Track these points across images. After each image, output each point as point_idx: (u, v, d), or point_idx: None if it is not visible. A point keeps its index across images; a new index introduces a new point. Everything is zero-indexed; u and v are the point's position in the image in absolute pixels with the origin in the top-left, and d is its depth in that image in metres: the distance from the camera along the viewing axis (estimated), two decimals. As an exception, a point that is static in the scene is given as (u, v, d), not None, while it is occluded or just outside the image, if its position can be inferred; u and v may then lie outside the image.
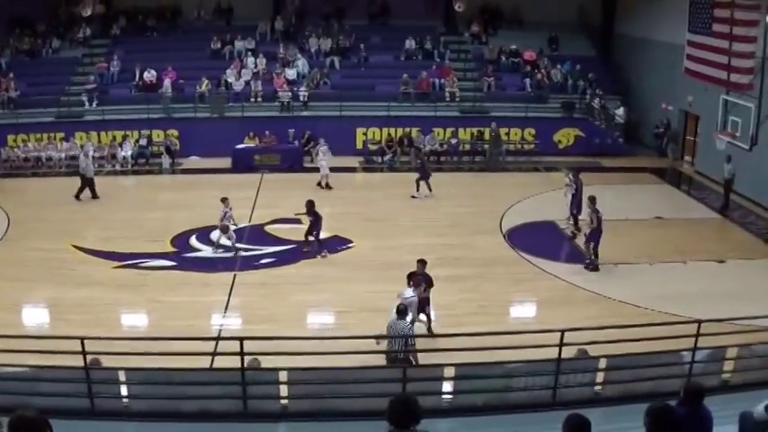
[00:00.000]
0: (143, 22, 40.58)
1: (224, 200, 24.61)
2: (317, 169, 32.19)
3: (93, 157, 30.96)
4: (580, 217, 26.05)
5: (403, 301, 17.13)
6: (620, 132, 38.61)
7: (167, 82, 36.83)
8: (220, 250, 24.41)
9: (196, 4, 41.09)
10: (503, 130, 36.95)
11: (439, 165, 34.91)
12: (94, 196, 29.46)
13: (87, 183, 29.42)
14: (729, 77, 24.40)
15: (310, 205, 24.09)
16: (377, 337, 14.32)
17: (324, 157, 31.77)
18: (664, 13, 36.79)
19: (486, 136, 37.04)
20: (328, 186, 31.38)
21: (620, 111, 38.89)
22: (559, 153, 37.40)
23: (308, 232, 24.38)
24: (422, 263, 19.15)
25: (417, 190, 30.51)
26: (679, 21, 32.01)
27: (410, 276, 18.79)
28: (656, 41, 38.13)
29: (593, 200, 24.04)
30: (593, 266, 23.55)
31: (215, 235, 24.88)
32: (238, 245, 24.46)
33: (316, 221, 24.19)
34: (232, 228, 24.51)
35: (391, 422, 7.14)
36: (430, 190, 30.55)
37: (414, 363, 14.66)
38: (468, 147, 37.28)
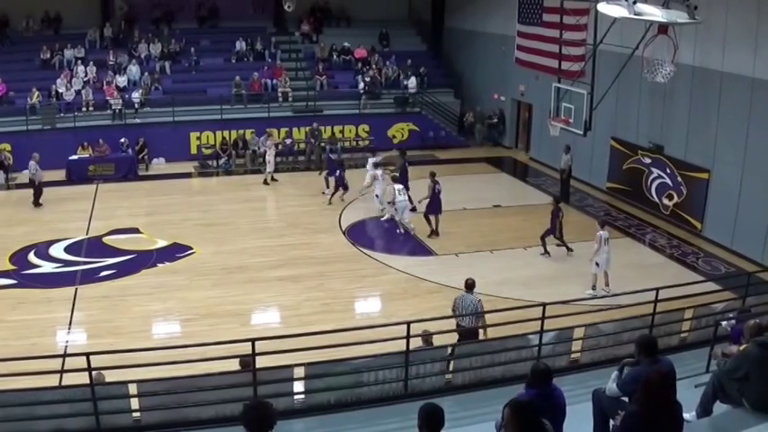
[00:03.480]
0: (-29, 35, 39.16)
1: None
2: (152, 177, 31.92)
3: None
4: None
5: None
6: (449, 124, 39.73)
7: None
8: None
9: (24, 15, 39.92)
10: (337, 128, 37.80)
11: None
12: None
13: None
14: (561, 65, 25.20)
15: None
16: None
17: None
18: (493, 5, 38.08)
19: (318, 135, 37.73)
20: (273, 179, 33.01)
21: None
22: (395, 148, 38.09)
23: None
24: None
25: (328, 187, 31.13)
26: (508, 12, 32.84)
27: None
28: (486, 33, 39.49)
29: (433, 174, 25.68)
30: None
31: None
32: (78, 258, 24.36)
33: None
34: None
35: (247, 427, 7.32)
36: (328, 186, 31.19)
37: (483, 337, 14.89)
38: (303, 146, 37.57)
